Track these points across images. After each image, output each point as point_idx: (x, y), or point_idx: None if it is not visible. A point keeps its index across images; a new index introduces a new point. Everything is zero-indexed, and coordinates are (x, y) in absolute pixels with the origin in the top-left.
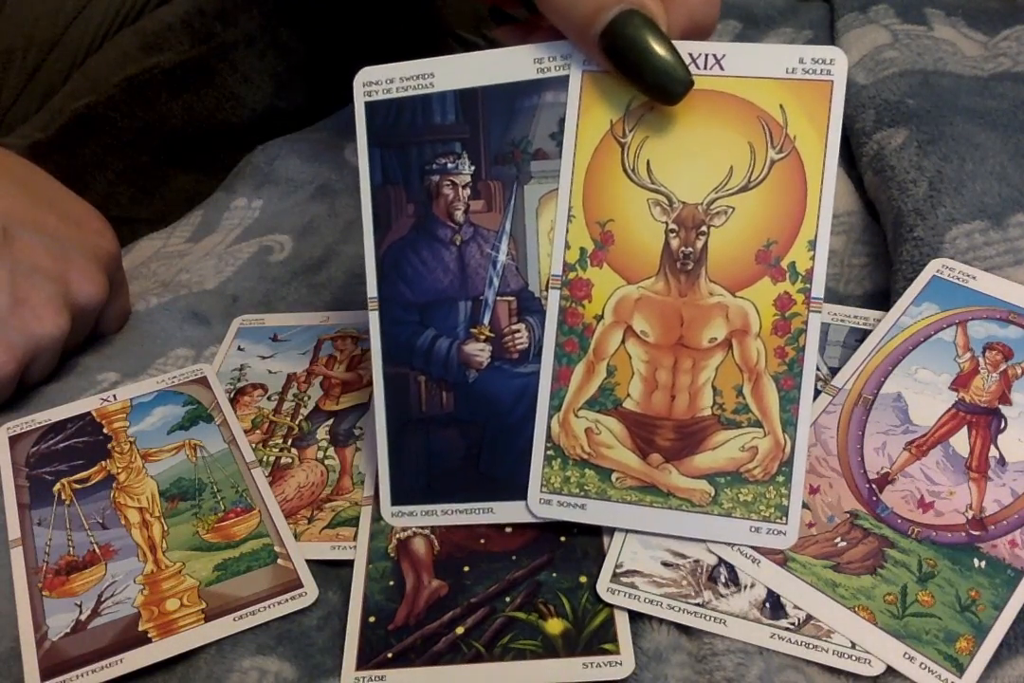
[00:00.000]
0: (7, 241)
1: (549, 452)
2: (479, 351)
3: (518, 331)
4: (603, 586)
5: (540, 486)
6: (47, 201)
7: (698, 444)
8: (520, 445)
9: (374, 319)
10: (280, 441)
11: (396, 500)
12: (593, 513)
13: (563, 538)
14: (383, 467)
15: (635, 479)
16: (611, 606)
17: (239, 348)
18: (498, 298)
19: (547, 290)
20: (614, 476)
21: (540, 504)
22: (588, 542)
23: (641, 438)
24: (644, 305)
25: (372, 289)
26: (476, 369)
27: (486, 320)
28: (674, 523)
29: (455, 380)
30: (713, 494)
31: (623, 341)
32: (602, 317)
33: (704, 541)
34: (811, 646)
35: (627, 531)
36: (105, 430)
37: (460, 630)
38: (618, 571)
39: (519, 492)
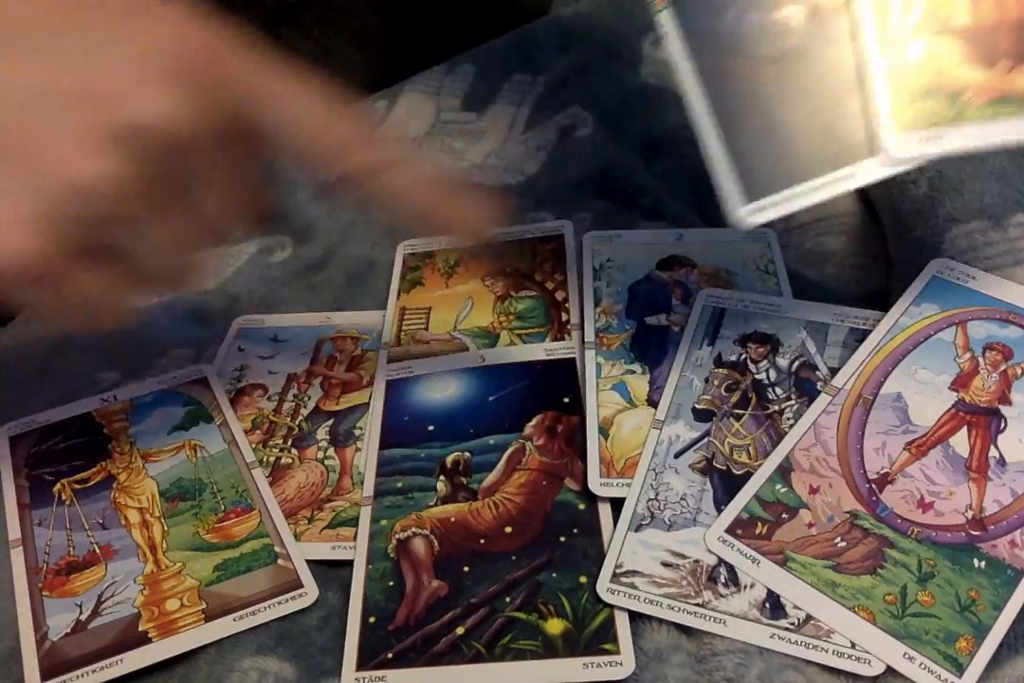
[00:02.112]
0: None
1: (890, 91)
2: (792, 14)
3: None
4: (603, 586)
5: (893, 129)
6: None
7: None
8: None
9: (667, 19)
10: (280, 441)
11: (749, 197)
12: (951, 140)
13: (563, 538)
14: (724, 170)
15: (987, 93)
16: (611, 606)
17: (239, 348)
18: None
19: None
20: (964, 97)
21: (896, 146)
22: (588, 542)
23: (982, 50)
24: None
25: None
26: (794, 34)
27: None
28: None
29: (779, 51)
30: None
31: None
32: None
33: None
34: (811, 646)
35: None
36: (105, 430)
37: (460, 630)
38: (618, 571)
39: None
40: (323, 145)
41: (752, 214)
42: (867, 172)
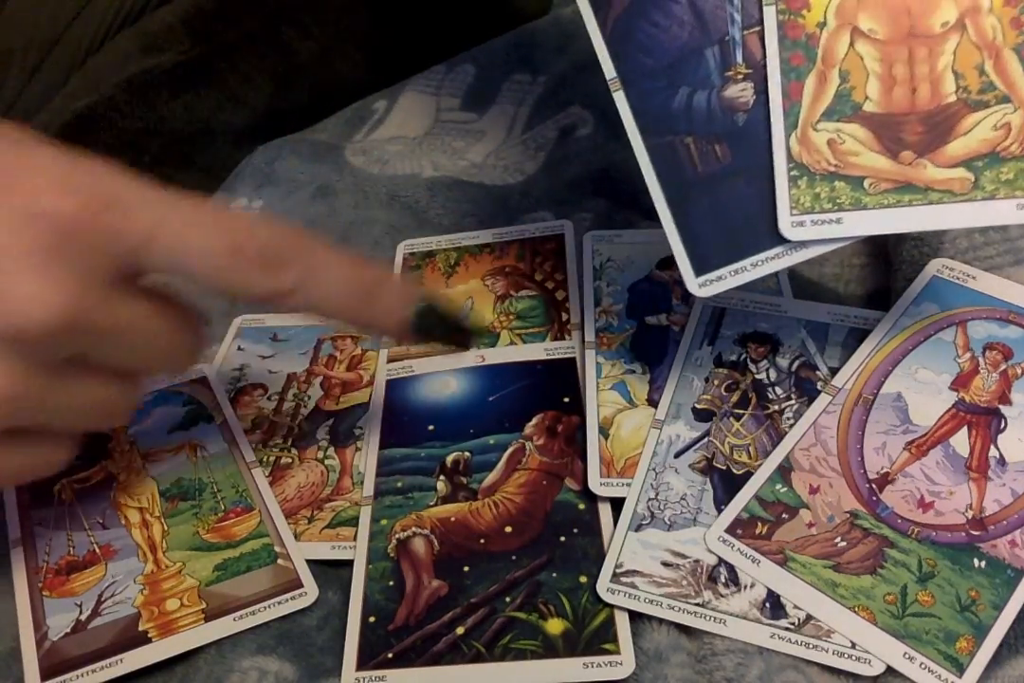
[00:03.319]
0: None
1: (793, 172)
2: (741, 91)
3: None
4: (603, 586)
5: (790, 209)
6: None
7: (948, 132)
8: None
9: (620, 99)
10: (280, 441)
11: (700, 270)
12: (850, 225)
13: (563, 538)
14: (676, 243)
15: (889, 181)
16: (611, 606)
17: (239, 348)
18: (746, 32)
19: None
20: (866, 183)
21: (792, 227)
22: (588, 542)
23: (888, 138)
24: (867, 2)
25: (609, 70)
26: (743, 110)
27: (739, 58)
28: (937, 217)
29: (724, 129)
30: (973, 180)
31: (851, 44)
32: (825, 23)
33: (969, 228)
34: (811, 646)
35: (888, 235)
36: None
37: (460, 630)
38: (618, 571)
39: None
40: (227, 280)
41: (704, 286)
42: (815, 249)
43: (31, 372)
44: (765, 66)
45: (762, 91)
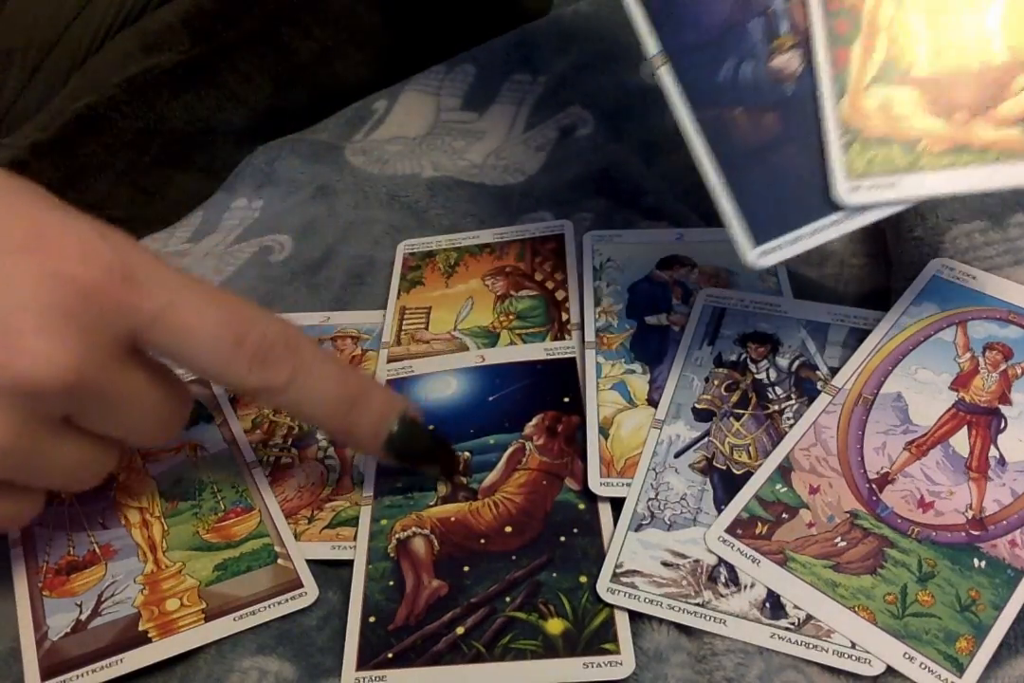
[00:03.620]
0: None
1: (846, 138)
2: (788, 61)
3: None
4: (603, 586)
5: (845, 175)
6: None
7: (1001, 92)
8: None
9: (666, 74)
10: (280, 441)
11: (758, 241)
12: (905, 188)
13: (563, 538)
14: (730, 216)
15: (943, 143)
16: (611, 606)
17: None
18: (789, 2)
19: None
20: (920, 145)
21: (848, 193)
22: (588, 542)
23: (940, 100)
24: None
25: (652, 47)
26: (791, 80)
27: (783, 29)
28: (993, 177)
29: (773, 99)
30: None
31: (897, 8)
32: None
33: None
34: (811, 646)
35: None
36: None
37: (460, 630)
38: (618, 571)
39: None
40: (222, 369)
41: (760, 257)
42: (869, 215)
43: (28, 427)
44: (811, 35)
45: (809, 60)
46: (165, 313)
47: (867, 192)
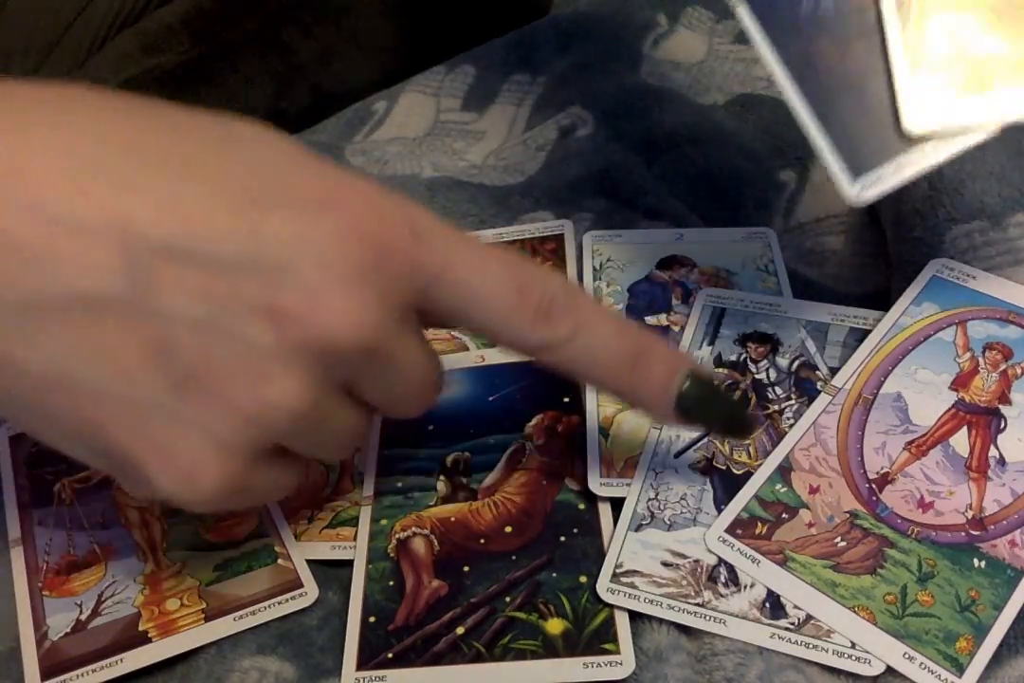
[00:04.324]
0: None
1: (913, 64)
2: None
3: None
4: (603, 586)
5: (911, 102)
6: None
7: None
8: None
9: (744, 13)
10: None
11: (857, 172)
12: (976, 111)
13: (563, 538)
14: (827, 151)
15: (1012, 63)
16: (611, 606)
17: None
18: None
19: None
20: (989, 68)
21: (918, 115)
22: (588, 542)
23: (1009, 23)
24: None
25: None
26: (874, 7)
27: None
28: None
29: (858, 28)
30: None
31: None
32: None
33: None
34: (811, 646)
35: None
36: None
37: (460, 630)
38: (618, 571)
39: None
40: (504, 324)
41: (865, 189)
42: (952, 142)
43: (322, 389)
44: None
45: None
46: (447, 269)
47: (937, 115)
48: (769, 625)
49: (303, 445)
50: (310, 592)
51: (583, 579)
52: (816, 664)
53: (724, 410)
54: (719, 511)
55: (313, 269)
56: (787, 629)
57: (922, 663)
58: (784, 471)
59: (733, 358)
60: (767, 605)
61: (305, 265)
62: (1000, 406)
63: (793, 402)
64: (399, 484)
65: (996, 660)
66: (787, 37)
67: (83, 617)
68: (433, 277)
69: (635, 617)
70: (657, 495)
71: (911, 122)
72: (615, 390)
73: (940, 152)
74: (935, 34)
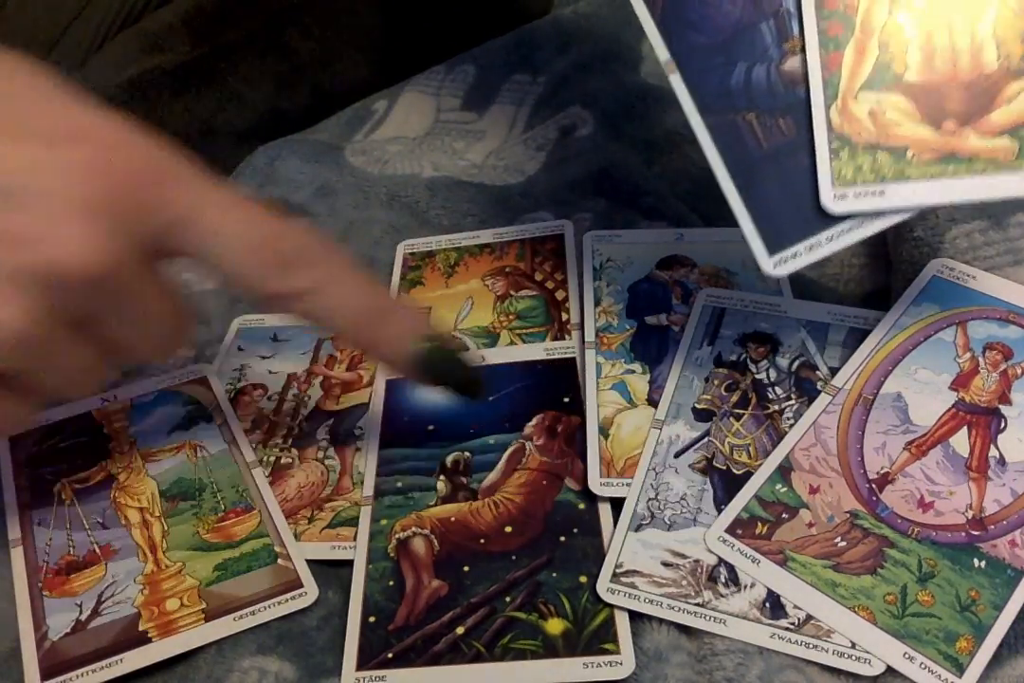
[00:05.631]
0: None
1: (834, 144)
2: (800, 64)
3: None
4: (603, 586)
5: (832, 182)
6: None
7: (991, 101)
8: None
9: (677, 81)
10: (280, 441)
11: (773, 249)
12: (893, 196)
13: (563, 538)
14: (746, 222)
15: (932, 151)
16: (611, 606)
17: (239, 348)
18: (802, 2)
19: None
20: (909, 153)
21: (835, 200)
22: (588, 542)
23: (930, 108)
24: None
25: (663, 52)
26: (804, 84)
27: (796, 30)
28: (981, 187)
29: (787, 103)
30: (1017, 149)
31: (890, 13)
32: None
33: (1015, 199)
34: (811, 646)
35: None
36: (105, 430)
37: (460, 630)
38: (618, 571)
39: None
40: (247, 272)
41: (779, 266)
42: (871, 223)
43: (48, 318)
44: (803, 37)
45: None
46: (193, 212)
47: (854, 201)
48: (769, 625)
49: (31, 376)
50: (310, 592)
51: (583, 579)
52: (816, 664)
53: (457, 372)
54: (719, 511)
55: (50, 197)
56: (787, 629)
57: (922, 663)
58: (784, 471)
59: (733, 358)
60: (767, 605)
61: (43, 192)
62: (1000, 406)
63: (793, 402)
64: (399, 484)
65: (996, 660)
66: (718, 105)
67: (83, 617)
68: (177, 217)
69: (635, 617)
70: (657, 495)
71: (829, 201)
72: (355, 344)
73: (856, 233)
74: (859, 115)
